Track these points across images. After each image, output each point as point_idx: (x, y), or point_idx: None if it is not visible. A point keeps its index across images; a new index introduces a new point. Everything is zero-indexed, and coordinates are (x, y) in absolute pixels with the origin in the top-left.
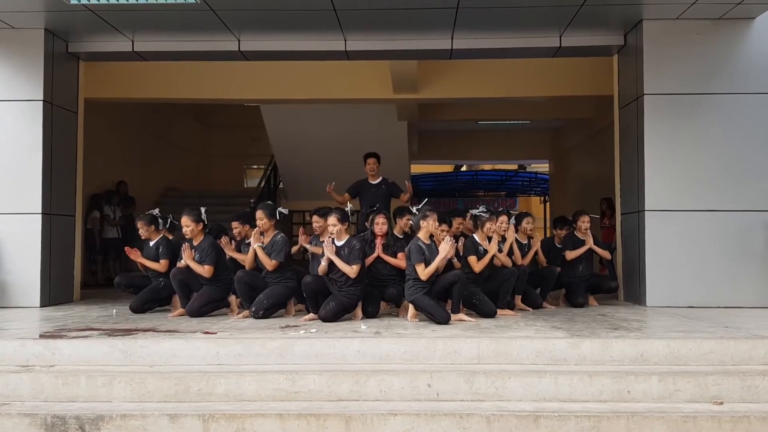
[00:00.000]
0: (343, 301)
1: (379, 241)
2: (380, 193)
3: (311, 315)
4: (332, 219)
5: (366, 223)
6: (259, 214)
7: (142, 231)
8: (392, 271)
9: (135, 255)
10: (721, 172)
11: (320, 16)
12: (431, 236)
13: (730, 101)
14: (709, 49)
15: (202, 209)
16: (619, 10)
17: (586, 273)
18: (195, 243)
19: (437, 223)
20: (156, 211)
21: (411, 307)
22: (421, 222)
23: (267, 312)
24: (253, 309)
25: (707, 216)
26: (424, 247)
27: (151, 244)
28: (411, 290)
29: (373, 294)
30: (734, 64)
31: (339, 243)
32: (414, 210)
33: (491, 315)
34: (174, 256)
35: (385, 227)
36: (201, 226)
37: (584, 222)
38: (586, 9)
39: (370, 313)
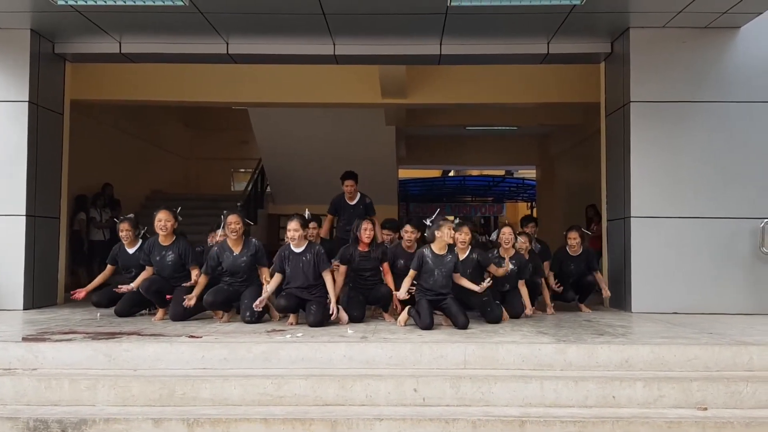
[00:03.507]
0: (321, 302)
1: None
2: (358, 213)
3: (293, 318)
4: (294, 224)
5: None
6: (235, 218)
7: (128, 233)
8: (376, 275)
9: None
10: (706, 179)
11: (309, 20)
12: (450, 245)
13: (715, 109)
14: (696, 58)
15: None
16: (606, 18)
17: (576, 273)
18: (167, 243)
19: (452, 232)
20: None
21: (404, 313)
22: (436, 233)
23: (259, 314)
24: (248, 315)
25: (693, 223)
26: (429, 256)
27: (131, 251)
28: (417, 295)
29: (358, 299)
30: (720, 72)
31: (299, 250)
32: (427, 222)
33: (497, 321)
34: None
35: (371, 234)
36: (176, 225)
37: (572, 239)
38: (573, 17)
39: (355, 318)
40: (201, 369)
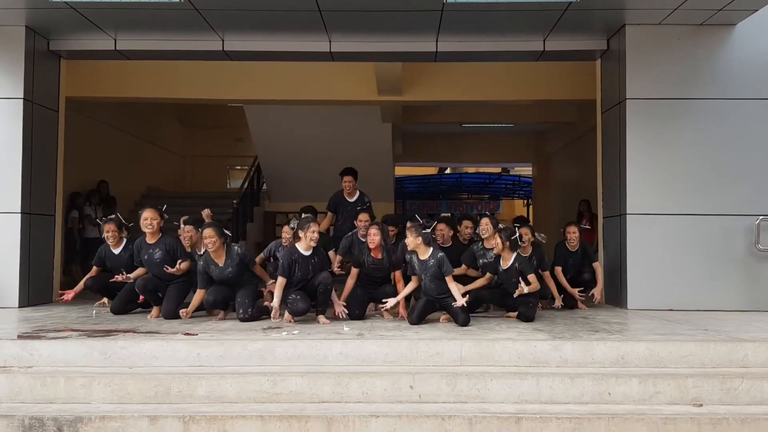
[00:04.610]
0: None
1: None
2: (357, 211)
3: (289, 315)
4: (317, 227)
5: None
6: (209, 231)
7: (113, 233)
8: (385, 273)
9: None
10: (702, 176)
11: (305, 16)
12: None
13: (711, 106)
14: (691, 55)
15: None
16: (602, 15)
17: (573, 268)
18: (153, 240)
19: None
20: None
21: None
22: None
23: (253, 311)
24: (241, 312)
25: (688, 220)
26: (415, 262)
27: (117, 252)
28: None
29: (360, 295)
30: (715, 69)
31: (308, 253)
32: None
33: (529, 320)
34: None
35: (377, 239)
36: (162, 223)
37: (571, 233)
38: (569, 14)
39: (357, 316)
40: (197, 366)
